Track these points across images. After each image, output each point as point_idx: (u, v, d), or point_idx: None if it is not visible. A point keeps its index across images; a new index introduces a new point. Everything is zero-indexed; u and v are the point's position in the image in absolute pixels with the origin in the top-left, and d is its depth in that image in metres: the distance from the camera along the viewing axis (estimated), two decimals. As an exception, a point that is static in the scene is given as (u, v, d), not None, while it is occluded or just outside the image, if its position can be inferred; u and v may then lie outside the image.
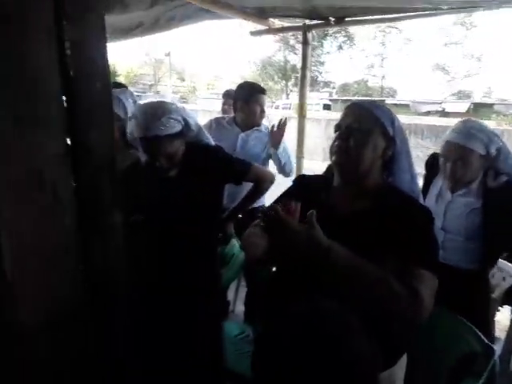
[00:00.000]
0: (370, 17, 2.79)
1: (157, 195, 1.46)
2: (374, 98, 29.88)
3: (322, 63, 33.41)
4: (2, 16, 0.49)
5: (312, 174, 1.28)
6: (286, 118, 2.42)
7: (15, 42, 0.50)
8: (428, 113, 20.83)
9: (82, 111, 0.58)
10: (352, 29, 29.68)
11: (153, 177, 1.52)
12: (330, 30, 30.57)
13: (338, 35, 31.45)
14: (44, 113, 0.54)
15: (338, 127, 1.06)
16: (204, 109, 15.19)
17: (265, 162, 2.45)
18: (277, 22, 3.39)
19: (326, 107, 20.60)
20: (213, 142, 1.60)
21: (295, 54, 28.00)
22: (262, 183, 1.74)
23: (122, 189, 0.64)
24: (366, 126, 1.02)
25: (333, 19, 2.88)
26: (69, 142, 0.58)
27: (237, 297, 2.68)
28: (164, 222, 1.42)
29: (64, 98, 0.56)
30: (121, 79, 42.63)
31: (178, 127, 1.38)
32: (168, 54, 32.91)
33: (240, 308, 2.58)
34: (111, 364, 0.68)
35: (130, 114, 1.80)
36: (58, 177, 0.56)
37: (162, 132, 1.34)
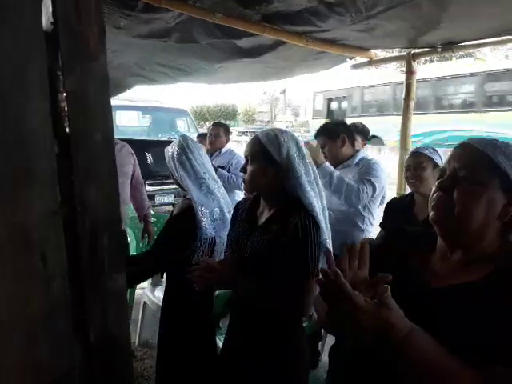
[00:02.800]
0: (485, 40, 2.48)
1: (243, 240, 1.43)
2: None
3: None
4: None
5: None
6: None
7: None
8: None
9: (79, 165, 0.54)
10: (479, 52, 27.59)
11: (244, 217, 1.50)
12: (454, 57, 28.88)
13: (463, 60, 29.49)
14: (31, 168, 0.50)
15: (441, 173, 0.83)
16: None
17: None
18: (379, 53, 3.25)
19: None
20: (316, 208, 1.36)
21: (414, 83, 26.89)
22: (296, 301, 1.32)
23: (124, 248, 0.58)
24: (477, 176, 0.77)
25: (439, 46, 2.64)
26: (63, 198, 0.53)
27: (325, 343, 2.52)
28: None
29: (58, 150, 0.53)
30: (240, 117, 45.41)
31: (273, 153, 1.33)
32: (283, 92, 34.21)
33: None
34: None
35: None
36: (47, 237, 0.51)
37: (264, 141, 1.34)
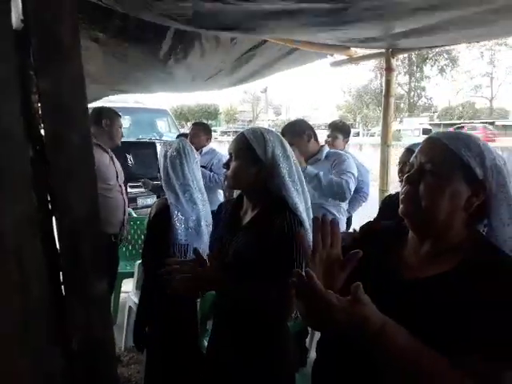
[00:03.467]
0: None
1: (227, 239, 1.42)
2: (483, 121, 27.66)
3: (422, 88, 32.14)
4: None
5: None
6: None
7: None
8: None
9: (55, 168, 0.52)
10: (455, 50, 28.18)
11: (229, 216, 1.47)
12: (430, 54, 29.42)
13: (439, 58, 30.06)
14: (3, 171, 0.48)
15: (410, 167, 0.86)
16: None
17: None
18: (359, 51, 3.28)
19: (426, 132, 19.52)
20: (298, 206, 1.35)
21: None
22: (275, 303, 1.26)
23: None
24: (441, 169, 0.79)
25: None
26: (40, 202, 0.52)
27: (312, 340, 2.52)
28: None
29: (32, 153, 0.51)
30: (222, 117, 45.26)
31: (258, 151, 1.32)
32: (264, 91, 34.29)
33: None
34: None
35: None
36: (24, 241, 0.50)
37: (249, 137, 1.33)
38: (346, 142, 3.19)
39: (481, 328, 0.66)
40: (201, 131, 3.73)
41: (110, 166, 2.71)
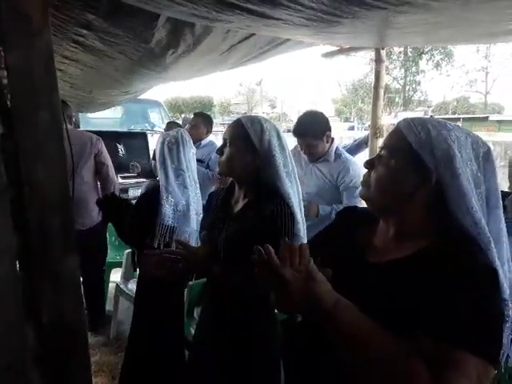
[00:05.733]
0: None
1: (217, 224, 1.42)
2: (477, 116, 27.82)
3: (418, 82, 32.17)
4: None
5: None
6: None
7: None
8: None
9: (25, 143, 0.52)
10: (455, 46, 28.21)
11: (221, 204, 1.47)
12: (426, 48, 29.42)
13: (434, 52, 30.08)
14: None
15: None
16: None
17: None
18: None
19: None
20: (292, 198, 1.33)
21: (389, 74, 27.36)
22: None
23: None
24: (391, 155, 0.80)
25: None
26: (9, 179, 0.52)
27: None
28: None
29: (2, 129, 0.51)
30: (216, 109, 45.05)
31: (254, 139, 1.31)
32: (259, 83, 34.21)
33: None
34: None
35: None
36: (-8, 218, 0.50)
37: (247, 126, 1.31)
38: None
39: (427, 314, 0.67)
40: (201, 123, 3.55)
41: None
